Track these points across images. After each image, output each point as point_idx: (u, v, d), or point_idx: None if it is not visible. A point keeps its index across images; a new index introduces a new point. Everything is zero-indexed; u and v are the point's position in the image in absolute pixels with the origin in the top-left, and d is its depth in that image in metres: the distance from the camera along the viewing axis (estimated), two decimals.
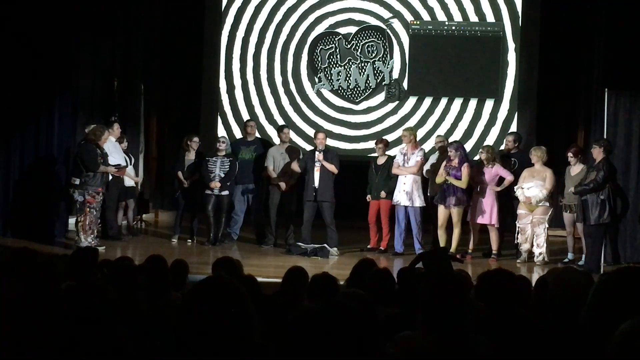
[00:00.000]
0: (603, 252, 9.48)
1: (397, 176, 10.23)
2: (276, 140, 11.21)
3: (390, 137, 12.43)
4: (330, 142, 12.62)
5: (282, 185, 10.50)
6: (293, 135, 11.71)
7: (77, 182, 9.67)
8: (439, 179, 9.92)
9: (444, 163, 10.00)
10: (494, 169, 9.94)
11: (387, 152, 10.63)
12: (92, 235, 9.64)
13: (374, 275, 4.81)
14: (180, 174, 10.71)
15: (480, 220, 9.98)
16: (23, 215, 10.33)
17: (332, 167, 10.22)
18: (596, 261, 9.19)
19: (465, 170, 9.82)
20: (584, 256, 9.65)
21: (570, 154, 9.79)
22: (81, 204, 9.65)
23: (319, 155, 10.22)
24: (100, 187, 9.75)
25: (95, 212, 9.76)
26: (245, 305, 2.38)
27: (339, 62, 13.08)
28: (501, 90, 12.74)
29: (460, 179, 9.80)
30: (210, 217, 10.52)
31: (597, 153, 9.29)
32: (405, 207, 10.07)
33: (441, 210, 9.91)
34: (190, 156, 10.76)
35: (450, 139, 11.21)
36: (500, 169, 9.94)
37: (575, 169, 9.76)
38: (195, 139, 10.89)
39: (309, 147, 12.46)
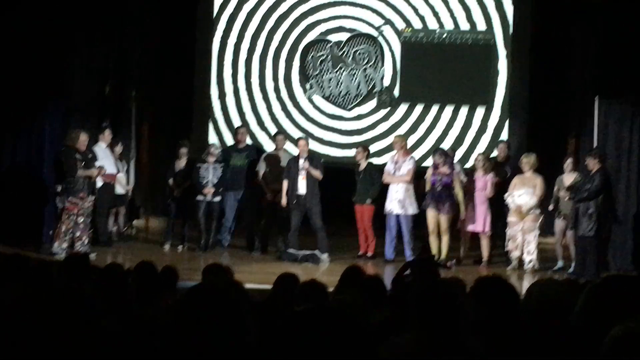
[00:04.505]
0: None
1: (380, 183, 10.24)
2: (269, 147, 11.18)
3: (381, 144, 12.45)
4: (321, 149, 12.66)
5: (269, 195, 10.46)
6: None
7: (59, 189, 9.57)
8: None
9: (430, 171, 10.01)
10: (487, 177, 9.96)
11: (370, 160, 10.61)
12: (66, 244, 9.36)
13: (365, 283, 4.81)
14: (171, 181, 10.71)
15: (472, 228, 10.01)
16: (12, 222, 10.24)
17: (317, 174, 10.17)
18: (594, 271, 8.95)
19: (456, 178, 9.87)
20: (573, 264, 9.66)
21: (569, 161, 9.86)
22: (61, 210, 9.56)
23: (304, 164, 10.15)
24: (83, 193, 9.48)
25: (83, 219, 9.49)
26: (239, 312, 2.38)
27: (330, 69, 13.09)
28: (492, 97, 12.78)
29: (451, 185, 9.82)
30: (202, 223, 10.51)
31: (593, 164, 9.28)
32: (397, 215, 10.08)
33: (431, 216, 9.90)
34: (181, 163, 10.74)
35: (441, 147, 11.22)
36: (490, 178, 9.95)
37: (569, 178, 9.79)
38: (183, 148, 10.84)
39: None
